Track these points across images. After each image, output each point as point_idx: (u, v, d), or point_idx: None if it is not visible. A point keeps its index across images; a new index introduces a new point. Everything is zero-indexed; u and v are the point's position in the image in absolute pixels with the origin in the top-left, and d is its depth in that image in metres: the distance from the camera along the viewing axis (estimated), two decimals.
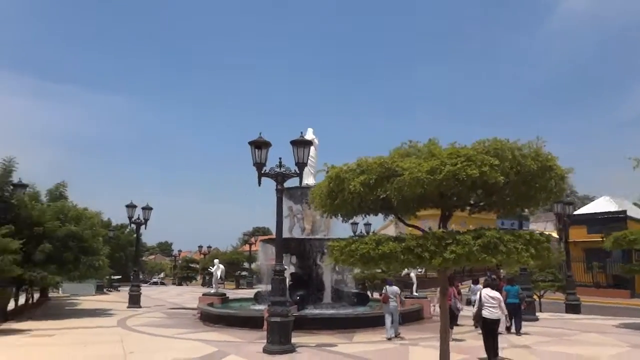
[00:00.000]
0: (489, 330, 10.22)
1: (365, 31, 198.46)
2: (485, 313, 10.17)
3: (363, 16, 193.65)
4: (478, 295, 10.48)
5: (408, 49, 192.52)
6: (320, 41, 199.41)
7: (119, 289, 39.04)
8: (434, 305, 17.34)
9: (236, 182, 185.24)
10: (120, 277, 42.51)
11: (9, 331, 14.20)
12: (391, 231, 45.08)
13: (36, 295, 24.94)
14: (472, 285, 16.53)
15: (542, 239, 6.35)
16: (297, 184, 14.45)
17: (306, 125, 20.38)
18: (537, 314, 18.22)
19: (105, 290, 35.83)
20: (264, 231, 72.05)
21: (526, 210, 7.71)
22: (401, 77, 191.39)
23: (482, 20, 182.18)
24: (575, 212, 30.54)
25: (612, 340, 12.76)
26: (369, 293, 25.38)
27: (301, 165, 11.54)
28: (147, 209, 23.96)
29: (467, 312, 14.81)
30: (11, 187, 17.93)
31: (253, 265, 46.89)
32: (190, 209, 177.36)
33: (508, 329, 13.41)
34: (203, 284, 47.67)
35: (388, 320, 12.92)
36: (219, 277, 21.34)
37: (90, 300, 27.15)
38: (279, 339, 10.64)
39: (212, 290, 20.64)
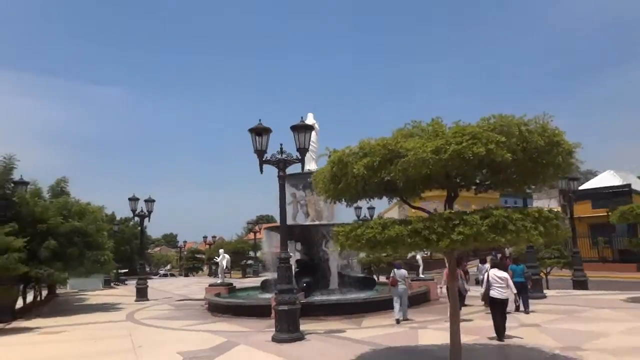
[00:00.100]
0: (497, 310, 10.19)
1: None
2: (494, 293, 10.13)
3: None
4: (486, 276, 10.43)
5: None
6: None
7: (126, 282, 39.19)
8: (441, 287, 17.32)
9: (238, 170, 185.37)
10: (127, 270, 42.63)
11: (18, 329, 14.24)
12: (395, 214, 45.03)
13: (44, 292, 25.03)
14: (479, 264, 16.49)
15: (551, 216, 6.21)
16: (299, 170, 14.29)
17: (306, 110, 20.22)
18: (545, 291, 18.18)
19: (112, 284, 35.98)
20: (267, 219, 72.10)
21: (533, 187, 7.51)
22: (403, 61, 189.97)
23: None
24: (580, 188, 30.36)
25: (622, 315, 12.69)
26: (375, 277, 25.40)
27: (303, 150, 11.39)
28: (149, 201, 23.92)
29: (474, 293, 14.78)
30: (12, 184, 17.86)
31: (258, 254, 46.98)
32: (194, 200, 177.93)
33: (517, 308, 13.36)
34: (209, 274, 47.79)
35: (397, 303, 12.89)
36: (224, 266, 21.34)
37: (98, 295, 27.24)
38: (288, 327, 10.60)
39: (219, 281, 20.68)
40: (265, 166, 11.46)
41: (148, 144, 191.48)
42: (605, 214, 33.09)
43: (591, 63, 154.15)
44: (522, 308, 13.54)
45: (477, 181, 7.09)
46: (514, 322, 11.56)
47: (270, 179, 11.78)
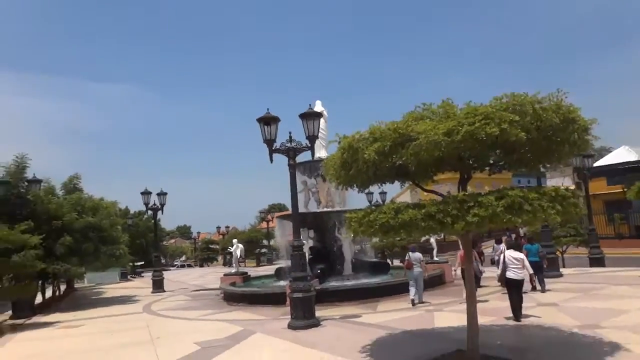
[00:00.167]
0: (513, 290, 10.13)
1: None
2: (510, 274, 10.07)
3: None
4: (502, 257, 10.35)
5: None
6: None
7: (142, 274, 39.66)
8: (455, 270, 17.26)
9: (249, 160, 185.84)
10: (142, 263, 43.13)
11: (37, 324, 14.47)
12: (407, 198, 44.89)
13: (63, 287, 25.40)
14: (495, 244, 16.40)
15: (568, 195, 6.07)
16: (309, 158, 14.22)
17: (314, 98, 20.05)
18: (561, 269, 18.05)
19: (129, 277, 36.45)
20: (280, 208, 72.43)
21: (548, 166, 7.37)
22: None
23: None
24: (594, 165, 29.96)
25: None
26: (388, 261, 25.40)
27: (312, 138, 11.30)
28: (162, 194, 24.09)
29: (490, 274, 14.70)
30: (26, 183, 18.02)
31: (272, 242, 47.22)
32: (207, 191, 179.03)
33: (534, 288, 13.27)
34: (224, 264, 48.23)
35: (412, 287, 12.88)
36: (238, 256, 21.46)
37: (115, 288, 27.60)
38: (303, 314, 10.62)
39: (233, 270, 20.79)
40: (275, 155, 11.40)
41: (158, 138, 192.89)
42: (621, 190, 32.68)
43: (599, 39, 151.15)
44: (538, 287, 13.44)
45: (491, 162, 6.97)
46: (530, 302, 11.48)
47: (281, 167, 11.73)
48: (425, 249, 20.09)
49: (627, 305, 10.64)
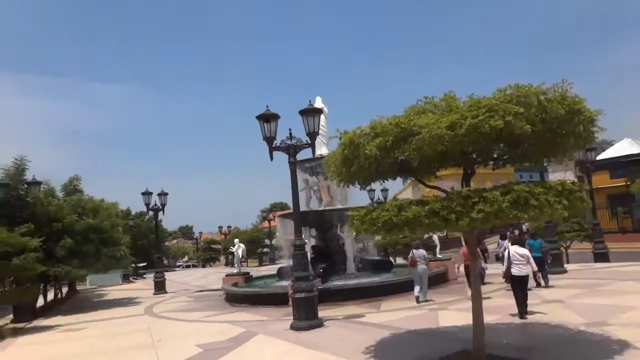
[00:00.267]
0: (518, 287, 9.99)
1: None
2: (515, 270, 9.93)
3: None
4: (506, 253, 10.21)
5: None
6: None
7: (145, 276, 39.55)
8: (458, 267, 17.13)
9: (250, 159, 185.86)
10: (145, 264, 43.03)
11: (38, 328, 14.36)
12: (409, 195, 44.71)
13: (65, 290, 25.33)
14: (500, 240, 16.27)
15: (574, 189, 5.92)
16: (310, 156, 14.07)
17: (314, 94, 19.94)
18: (565, 265, 17.87)
19: (131, 278, 36.36)
20: (281, 206, 72.30)
21: (552, 159, 7.21)
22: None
23: None
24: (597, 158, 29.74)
25: None
26: (391, 259, 25.25)
27: (313, 135, 11.14)
28: (162, 194, 24.00)
29: (494, 270, 14.56)
30: (25, 185, 17.92)
31: (274, 242, 47.11)
32: (208, 191, 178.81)
33: (538, 285, 13.11)
34: (226, 264, 48.09)
35: (417, 284, 12.76)
36: (240, 256, 21.34)
37: (117, 290, 27.51)
38: (306, 314, 10.48)
39: (235, 270, 20.68)
40: (275, 153, 11.26)
41: (159, 137, 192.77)
42: (624, 183, 32.52)
43: (599, 31, 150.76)
44: (542, 283, 13.29)
45: (495, 156, 6.82)
46: (536, 299, 11.33)
47: (283, 165, 11.59)
48: (428, 247, 19.95)
49: (634, 302, 10.48)
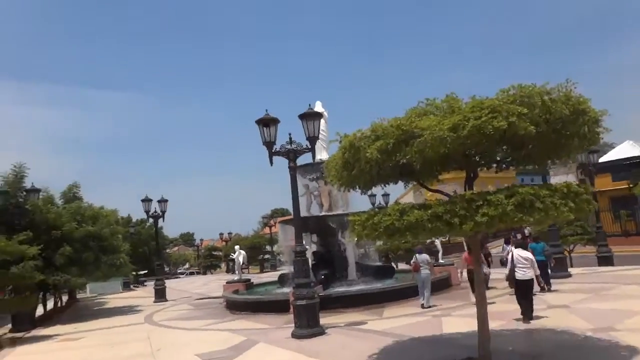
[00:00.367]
0: (523, 291, 9.83)
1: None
2: (518, 274, 9.78)
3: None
4: (510, 257, 10.06)
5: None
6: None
7: (145, 284, 39.30)
8: (461, 272, 16.94)
9: (251, 165, 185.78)
10: (146, 272, 42.77)
11: (37, 338, 14.20)
12: (410, 200, 44.53)
13: (65, 298, 25.13)
14: (504, 244, 16.13)
15: (580, 191, 5.80)
16: (310, 161, 13.94)
17: (314, 98, 19.82)
18: (569, 269, 17.67)
19: (131, 286, 36.14)
20: (282, 212, 72.00)
21: (557, 161, 7.07)
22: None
23: None
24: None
25: None
26: (393, 264, 25.04)
27: (313, 139, 11.00)
28: (162, 201, 23.87)
29: (496, 275, 14.38)
30: (24, 192, 17.81)
31: (275, 248, 46.91)
32: (209, 198, 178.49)
33: (542, 289, 12.93)
34: (227, 271, 47.84)
35: (421, 289, 12.62)
36: (241, 262, 21.18)
37: (117, 298, 27.31)
38: (307, 322, 10.31)
39: (236, 277, 20.50)
40: (275, 158, 11.12)
41: (159, 143, 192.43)
42: (627, 186, 32.34)
43: (599, 31, 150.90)
44: (545, 288, 13.12)
45: (498, 158, 6.69)
46: (541, 304, 11.15)
47: (282, 171, 11.43)
48: (431, 251, 19.77)
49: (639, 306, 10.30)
